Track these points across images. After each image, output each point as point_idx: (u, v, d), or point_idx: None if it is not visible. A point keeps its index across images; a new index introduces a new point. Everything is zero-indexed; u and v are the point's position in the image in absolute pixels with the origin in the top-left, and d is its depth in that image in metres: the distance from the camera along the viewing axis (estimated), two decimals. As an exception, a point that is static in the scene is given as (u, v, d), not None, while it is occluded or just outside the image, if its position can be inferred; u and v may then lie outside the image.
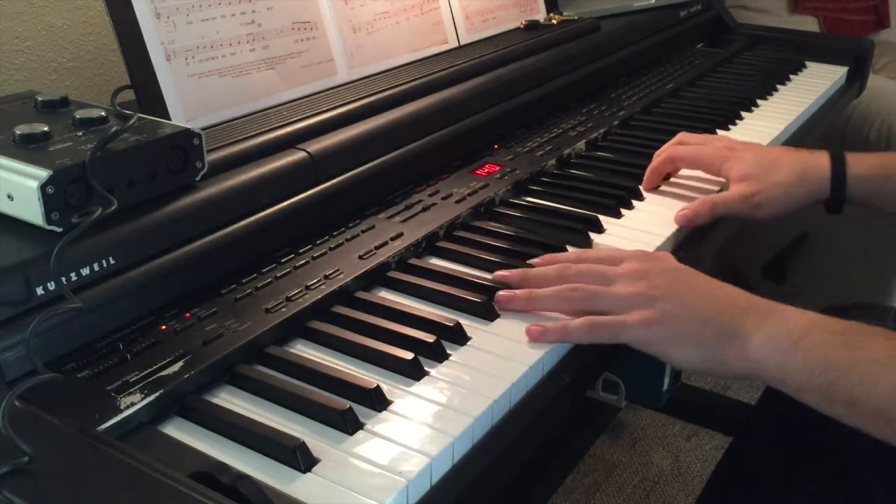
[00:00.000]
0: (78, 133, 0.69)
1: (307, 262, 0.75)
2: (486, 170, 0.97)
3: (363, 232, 0.81)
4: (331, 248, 0.78)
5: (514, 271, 0.75)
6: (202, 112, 0.83)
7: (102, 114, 0.72)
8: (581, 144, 1.08)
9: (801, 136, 1.25)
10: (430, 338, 0.67)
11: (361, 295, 0.73)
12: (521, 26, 1.27)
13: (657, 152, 0.99)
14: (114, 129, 0.67)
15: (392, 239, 0.80)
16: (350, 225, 0.82)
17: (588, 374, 0.73)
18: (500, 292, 0.72)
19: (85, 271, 0.62)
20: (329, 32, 0.97)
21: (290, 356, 0.65)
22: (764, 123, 1.21)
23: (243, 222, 0.74)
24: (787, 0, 1.94)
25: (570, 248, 0.82)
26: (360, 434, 0.57)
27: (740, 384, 1.89)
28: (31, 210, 0.62)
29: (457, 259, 0.81)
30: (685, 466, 1.67)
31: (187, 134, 0.71)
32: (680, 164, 0.97)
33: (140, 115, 0.73)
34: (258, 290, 0.71)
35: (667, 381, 1.71)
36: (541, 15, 1.33)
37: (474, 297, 0.72)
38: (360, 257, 0.76)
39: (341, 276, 0.73)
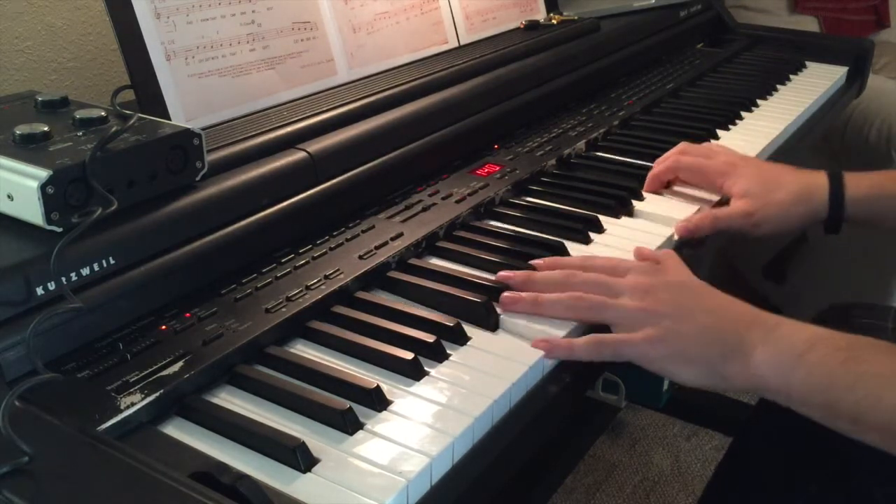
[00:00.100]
0: (78, 133, 0.69)
1: (307, 262, 0.75)
2: (486, 170, 0.97)
3: (363, 232, 0.81)
4: (331, 248, 0.78)
5: (518, 273, 0.75)
6: (202, 112, 0.83)
7: (102, 114, 0.72)
8: (581, 144, 1.08)
9: (801, 136, 1.25)
10: (430, 338, 0.67)
11: (361, 295, 0.73)
12: (521, 26, 1.27)
13: (658, 160, 0.99)
14: (114, 129, 0.67)
15: (392, 239, 0.80)
16: (350, 225, 0.82)
17: (588, 374, 0.73)
18: (506, 294, 0.72)
19: (85, 271, 0.62)
20: (329, 32, 0.97)
21: (290, 356, 0.65)
22: (764, 123, 1.21)
23: (243, 222, 0.74)
24: (787, 0, 1.94)
25: (570, 248, 0.82)
26: (360, 434, 0.57)
27: (740, 384, 1.89)
28: (31, 210, 0.62)
29: (457, 259, 0.81)
30: (685, 466, 1.67)
31: (187, 134, 0.71)
32: (682, 175, 0.98)
33: (140, 115, 0.73)
34: (258, 290, 0.71)
35: (667, 381, 1.71)
36: (541, 15, 1.33)
37: (475, 298, 0.72)
38: (360, 257, 0.76)
39: (341, 276, 0.73)
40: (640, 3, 1.46)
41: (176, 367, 0.61)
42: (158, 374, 0.60)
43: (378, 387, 0.61)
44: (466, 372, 0.64)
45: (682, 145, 1.00)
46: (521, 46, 1.17)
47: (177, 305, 0.68)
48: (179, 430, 0.58)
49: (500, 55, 1.13)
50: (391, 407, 0.60)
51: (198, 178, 0.73)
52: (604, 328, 0.70)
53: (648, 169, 0.99)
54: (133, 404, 0.57)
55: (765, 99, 1.31)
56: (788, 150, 1.18)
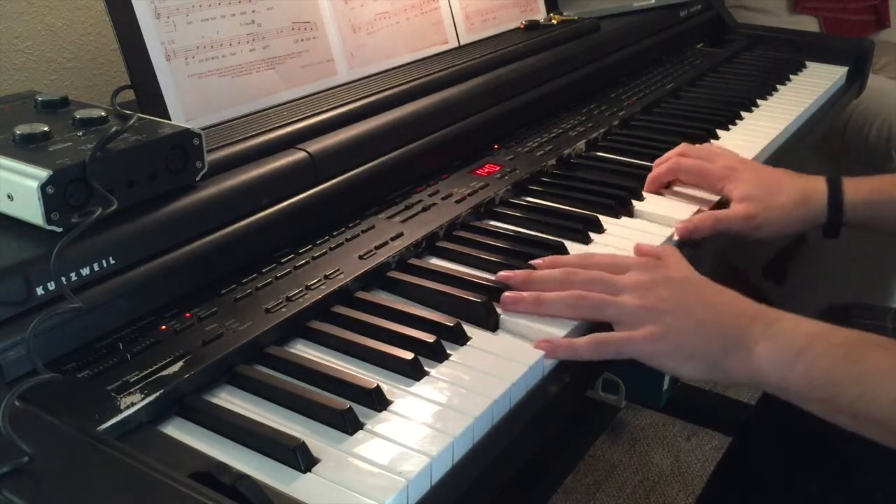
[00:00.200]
0: (78, 133, 0.69)
1: (307, 262, 0.75)
2: (486, 170, 0.97)
3: (363, 232, 0.81)
4: (331, 248, 0.78)
5: (518, 273, 0.75)
6: (202, 112, 0.83)
7: (102, 114, 0.72)
8: (581, 144, 1.08)
9: (801, 136, 1.25)
10: (430, 338, 0.67)
11: (361, 295, 0.73)
12: (521, 26, 1.27)
13: (658, 160, 0.99)
14: (114, 129, 0.67)
15: (392, 239, 0.80)
16: (350, 225, 0.82)
17: (588, 374, 0.73)
18: (507, 294, 0.72)
19: (85, 271, 0.62)
20: (329, 32, 0.97)
21: (290, 356, 0.65)
22: (764, 123, 1.21)
23: (243, 222, 0.74)
24: (787, 0, 1.94)
25: (570, 248, 0.82)
26: (360, 434, 0.57)
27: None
28: (31, 210, 0.62)
29: (457, 259, 0.81)
30: (685, 466, 1.67)
31: (187, 134, 0.71)
32: (682, 177, 0.98)
33: (140, 115, 0.73)
34: (258, 290, 0.71)
35: (667, 381, 1.71)
36: (541, 15, 1.33)
37: (475, 298, 0.72)
38: (360, 257, 0.76)
39: (341, 276, 0.73)
40: (640, 3, 1.46)
41: (176, 367, 0.61)
42: (158, 374, 0.60)
43: (378, 387, 0.61)
44: (466, 372, 0.64)
45: (682, 146, 1.00)
46: (521, 46, 1.17)
47: (177, 305, 0.68)
48: (179, 430, 0.58)
49: (500, 55, 1.13)
50: (391, 407, 0.60)
51: (198, 178, 0.73)
52: (605, 326, 0.71)
53: (648, 169, 0.99)
54: (133, 404, 0.57)
55: (765, 99, 1.31)
56: (788, 151, 1.18)
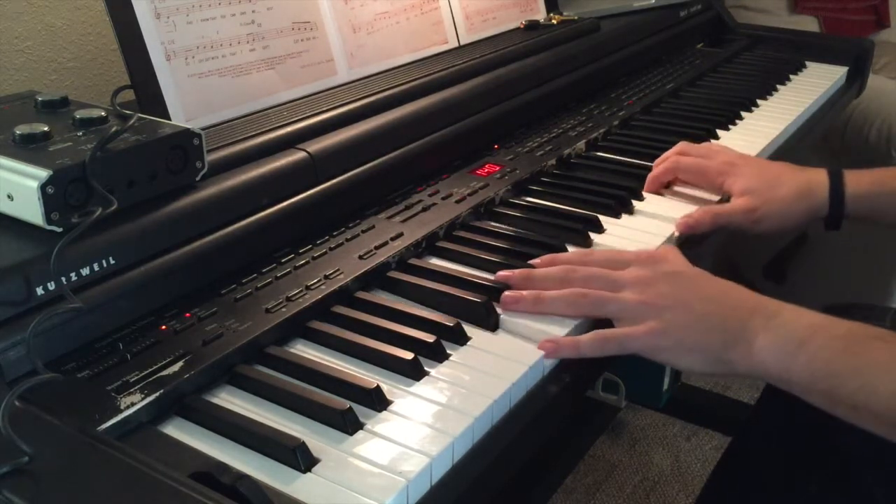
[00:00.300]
0: (78, 133, 0.69)
1: (307, 262, 0.75)
2: (486, 170, 0.97)
3: (363, 232, 0.81)
4: (331, 248, 0.78)
5: (517, 272, 0.75)
6: (202, 112, 0.83)
7: (102, 114, 0.72)
8: (581, 144, 1.08)
9: (801, 136, 1.25)
10: (430, 338, 0.67)
11: (361, 295, 0.73)
12: (521, 26, 1.27)
13: (657, 160, 0.99)
14: (114, 129, 0.67)
15: (392, 239, 0.80)
16: (350, 225, 0.82)
17: (588, 374, 0.73)
18: (507, 293, 0.72)
19: (85, 271, 0.62)
20: (329, 32, 0.97)
21: (290, 356, 0.65)
22: (764, 123, 1.21)
23: (243, 222, 0.74)
24: (787, 0, 1.94)
25: (570, 248, 0.82)
26: (360, 434, 0.57)
27: (740, 384, 1.89)
28: (31, 210, 0.62)
29: (457, 259, 0.81)
30: (685, 466, 1.67)
31: (187, 134, 0.71)
32: (682, 175, 0.98)
33: (140, 115, 0.73)
34: (258, 290, 0.71)
35: (667, 381, 1.71)
36: (541, 15, 1.33)
37: (474, 298, 0.72)
38: (360, 257, 0.76)
39: (341, 276, 0.73)
40: (640, 3, 1.46)
41: (176, 367, 0.61)
42: (158, 374, 0.60)
43: (378, 387, 0.61)
44: (466, 372, 0.64)
45: (681, 145, 1.00)
46: (521, 46, 1.17)
47: (177, 305, 0.68)
48: (179, 430, 0.58)
49: (500, 55, 1.13)
50: (391, 407, 0.60)
51: (198, 178, 0.73)
52: (606, 323, 0.71)
53: (648, 169, 0.99)
54: (133, 404, 0.57)
55: (765, 99, 1.31)
56: (788, 150, 1.18)
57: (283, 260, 0.75)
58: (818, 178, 0.93)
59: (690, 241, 0.88)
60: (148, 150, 0.68)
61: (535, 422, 0.64)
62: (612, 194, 0.94)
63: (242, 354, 0.64)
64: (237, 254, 0.73)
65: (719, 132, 1.16)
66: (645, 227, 0.89)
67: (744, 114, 1.24)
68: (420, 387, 0.63)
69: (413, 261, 0.79)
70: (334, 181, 0.83)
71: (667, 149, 1.01)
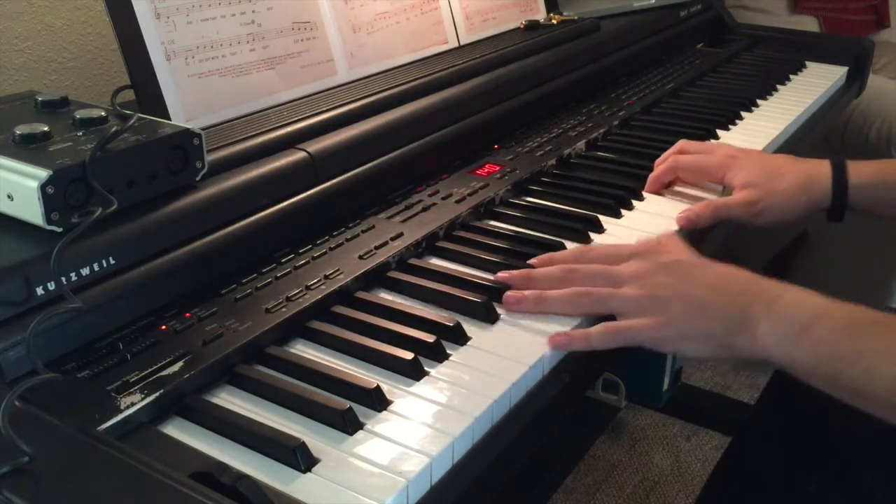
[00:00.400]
0: (78, 133, 0.69)
1: (307, 262, 0.75)
2: (486, 170, 0.97)
3: (363, 232, 0.81)
4: (331, 248, 0.78)
5: (516, 273, 0.75)
6: (202, 112, 0.83)
7: (102, 114, 0.72)
8: (581, 144, 1.08)
9: (801, 136, 1.25)
10: (430, 338, 0.67)
11: (361, 295, 0.73)
12: (521, 26, 1.27)
13: (658, 160, 0.99)
14: (114, 129, 0.67)
15: (392, 239, 0.80)
16: (350, 225, 0.82)
17: (588, 374, 0.73)
18: (509, 293, 0.72)
19: (85, 271, 0.62)
20: (329, 32, 0.97)
21: (290, 356, 0.65)
22: (764, 123, 1.21)
23: (243, 222, 0.74)
24: (787, 0, 1.94)
25: (568, 247, 0.82)
26: (360, 434, 0.57)
27: (740, 384, 1.89)
28: (31, 210, 0.62)
29: (457, 259, 0.81)
30: (685, 466, 1.67)
31: (187, 134, 0.71)
32: (682, 174, 0.98)
33: (140, 115, 0.73)
34: (258, 290, 0.71)
35: (667, 381, 1.71)
36: (541, 15, 1.33)
37: (474, 297, 0.72)
38: (360, 257, 0.76)
39: (341, 276, 0.73)
40: (640, 3, 1.46)
41: (176, 367, 0.61)
42: (158, 374, 0.60)
43: (378, 387, 0.61)
44: (466, 372, 0.64)
45: (681, 143, 1.00)
46: (521, 46, 1.17)
47: (177, 305, 0.68)
48: (179, 430, 0.58)
49: (500, 55, 1.13)
50: (391, 407, 0.60)
51: (198, 178, 0.73)
52: (608, 319, 0.71)
53: (648, 169, 0.99)
54: (133, 404, 0.57)
55: (765, 99, 1.31)
56: (788, 150, 1.18)
57: (283, 260, 0.75)
58: (820, 169, 0.92)
59: (691, 237, 0.88)
60: (148, 150, 0.68)
61: (535, 422, 0.64)
62: (612, 194, 0.94)
63: (242, 354, 0.64)
64: (237, 254, 0.73)
65: (719, 132, 1.16)
66: (645, 227, 0.89)
67: (744, 114, 1.24)
68: (420, 387, 0.63)
69: (413, 261, 0.79)
70: (334, 181, 0.83)
71: (667, 149, 1.01)
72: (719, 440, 1.73)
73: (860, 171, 0.92)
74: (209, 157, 0.74)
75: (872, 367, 0.62)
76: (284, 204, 0.78)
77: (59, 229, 0.62)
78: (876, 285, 1.80)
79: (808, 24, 1.94)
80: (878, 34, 1.97)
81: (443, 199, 0.89)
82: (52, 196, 0.61)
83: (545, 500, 1.54)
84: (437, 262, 0.80)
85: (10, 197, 0.63)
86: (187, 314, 0.67)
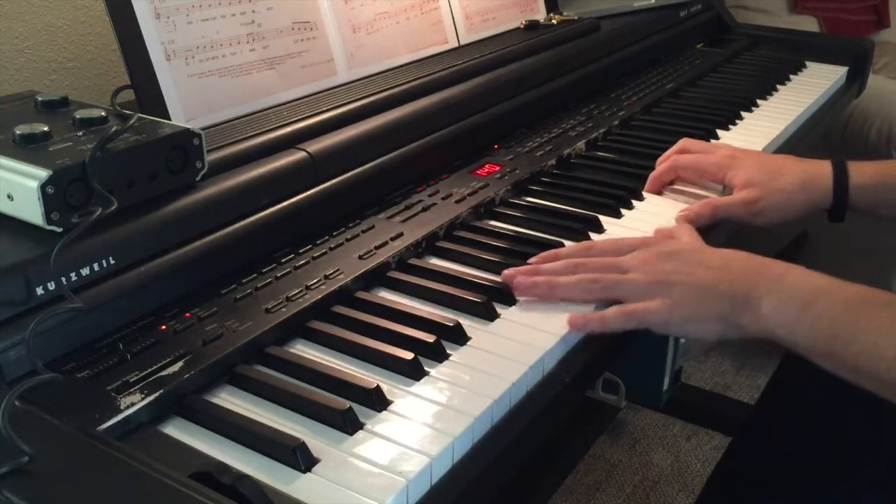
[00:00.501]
0: (78, 133, 0.69)
1: (307, 262, 0.75)
2: (486, 170, 0.97)
3: (363, 232, 0.81)
4: (331, 248, 0.78)
5: (524, 268, 0.76)
6: (202, 112, 0.83)
7: (102, 114, 0.72)
8: (581, 144, 1.08)
9: (801, 136, 1.25)
10: (430, 338, 0.67)
11: (361, 295, 0.73)
12: (521, 26, 1.27)
13: (659, 159, 0.99)
14: (114, 129, 0.67)
15: (392, 239, 0.80)
16: (350, 225, 0.82)
17: (588, 374, 0.73)
18: (521, 278, 0.73)
19: (85, 271, 0.62)
20: (329, 32, 0.97)
21: (290, 356, 0.65)
22: (764, 123, 1.21)
23: (243, 222, 0.74)
24: (787, 0, 1.94)
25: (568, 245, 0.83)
26: (360, 434, 0.57)
27: (740, 384, 1.89)
28: (31, 210, 0.62)
29: (457, 259, 0.81)
30: (685, 466, 1.67)
31: (187, 134, 0.71)
32: (682, 173, 0.98)
33: (140, 115, 0.73)
34: (258, 290, 0.71)
35: (667, 381, 1.71)
36: (541, 15, 1.33)
37: (474, 297, 0.72)
38: (360, 257, 0.76)
39: (341, 276, 0.73)
40: (640, 3, 1.46)
41: (176, 367, 0.61)
42: (158, 374, 0.60)
43: (378, 387, 0.61)
44: (466, 372, 0.64)
45: (682, 142, 1.00)
46: (521, 46, 1.17)
47: (177, 305, 0.68)
48: (179, 430, 0.58)
49: (500, 55, 1.13)
50: (391, 407, 0.60)
51: (198, 178, 0.73)
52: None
53: (648, 169, 0.99)
54: (133, 404, 0.57)
55: (765, 99, 1.31)
56: (788, 150, 1.18)
57: (283, 260, 0.75)
58: (821, 169, 0.92)
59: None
60: (148, 150, 0.68)
61: (535, 422, 0.64)
62: (612, 194, 0.94)
63: (242, 354, 0.64)
64: (237, 254, 0.73)
65: (719, 132, 1.16)
66: (645, 227, 0.89)
67: (744, 114, 1.24)
68: (420, 387, 0.63)
69: (413, 261, 0.79)
70: (334, 181, 0.83)
71: (667, 149, 1.01)
72: (719, 440, 1.73)
73: (861, 172, 0.92)
74: (209, 157, 0.74)
75: (874, 346, 0.63)
76: (284, 204, 0.78)
77: (59, 229, 0.62)
78: (876, 285, 1.80)
79: (808, 24, 1.94)
80: (878, 34, 1.96)
81: (443, 199, 0.89)
82: (52, 196, 0.61)
83: (545, 500, 1.54)
84: (437, 262, 0.80)
85: (10, 197, 0.63)
86: (187, 314, 0.67)
